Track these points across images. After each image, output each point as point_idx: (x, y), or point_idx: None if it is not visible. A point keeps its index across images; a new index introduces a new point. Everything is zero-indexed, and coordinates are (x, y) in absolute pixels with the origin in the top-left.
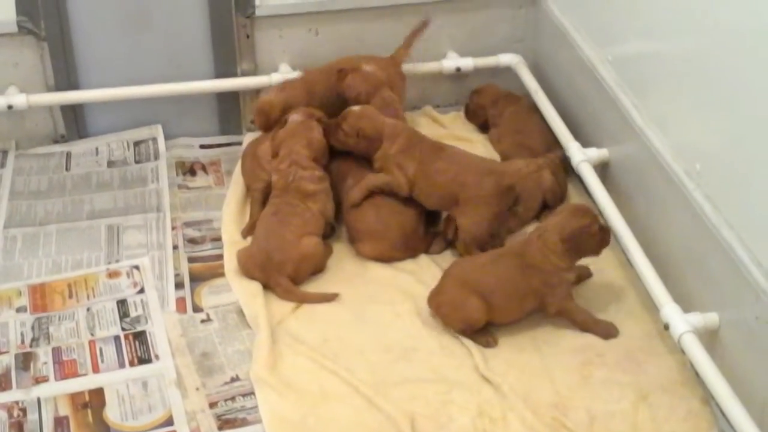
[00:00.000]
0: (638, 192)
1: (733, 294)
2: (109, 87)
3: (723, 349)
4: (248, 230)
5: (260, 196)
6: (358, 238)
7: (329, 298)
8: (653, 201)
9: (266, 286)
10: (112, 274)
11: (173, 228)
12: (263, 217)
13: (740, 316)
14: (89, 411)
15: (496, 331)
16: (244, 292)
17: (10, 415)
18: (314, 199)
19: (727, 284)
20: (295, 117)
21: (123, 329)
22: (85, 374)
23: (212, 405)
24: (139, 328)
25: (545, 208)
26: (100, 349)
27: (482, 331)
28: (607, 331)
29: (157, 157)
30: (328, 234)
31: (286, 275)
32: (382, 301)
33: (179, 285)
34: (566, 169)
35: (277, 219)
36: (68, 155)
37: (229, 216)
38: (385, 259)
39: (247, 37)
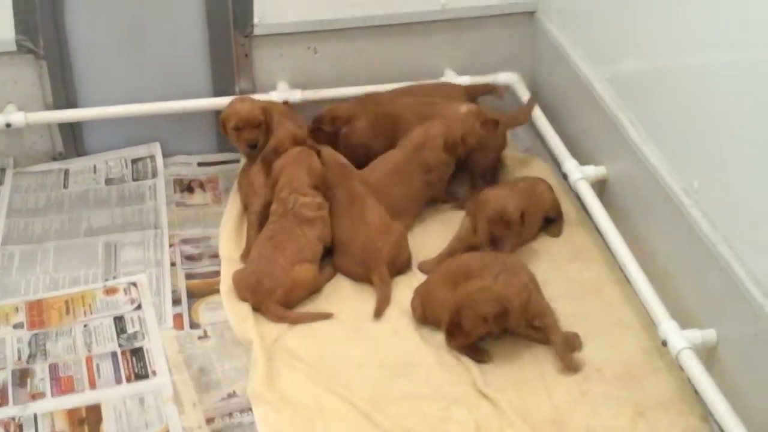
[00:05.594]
0: (636, 209)
1: (731, 311)
2: (108, 105)
3: (721, 366)
4: (246, 255)
5: (256, 219)
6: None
7: (323, 317)
8: (651, 218)
9: (257, 309)
10: (110, 291)
11: (171, 245)
12: (259, 241)
13: (738, 333)
14: (86, 427)
15: (495, 345)
16: (234, 316)
17: (7, 431)
18: (311, 225)
19: (725, 301)
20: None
21: (120, 345)
22: (82, 390)
23: (209, 421)
24: (136, 345)
25: (548, 223)
26: (97, 366)
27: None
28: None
29: (155, 175)
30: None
31: (276, 301)
32: (380, 318)
33: (176, 301)
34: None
35: (272, 244)
36: (66, 173)
37: (227, 233)
38: (349, 275)
39: (246, 56)
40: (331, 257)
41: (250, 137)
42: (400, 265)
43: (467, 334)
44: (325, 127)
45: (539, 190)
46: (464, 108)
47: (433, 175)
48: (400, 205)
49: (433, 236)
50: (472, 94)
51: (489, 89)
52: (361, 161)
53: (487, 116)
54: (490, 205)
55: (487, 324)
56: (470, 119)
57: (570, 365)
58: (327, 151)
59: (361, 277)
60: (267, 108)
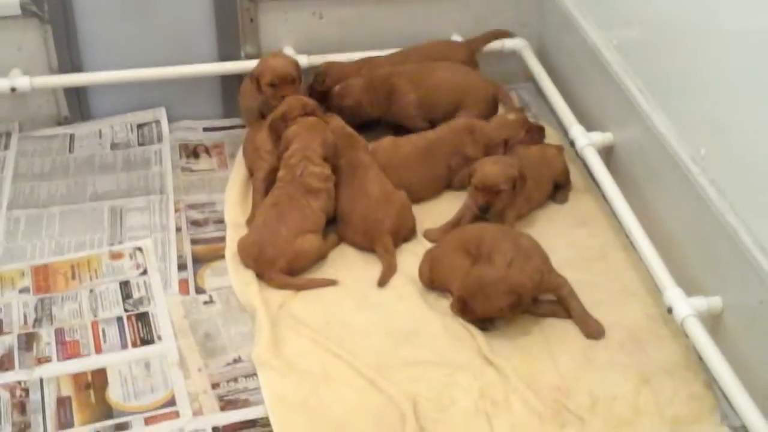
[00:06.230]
0: (643, 176)
1: (737, 278)
2: (113, 69)
3: (726, 333)
4: (251, 220)
5: (262, 185)
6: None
7: (328, 283)
8: (658, 185)
9: (261, 278)
10: (115, 256)
11: (176, 210)
12: (263, 207)
13: (744, 300)
14: (92, 391)
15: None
16: (238, 281)
17: (13, 395)
18: (316, 196)
19: (731, 268)
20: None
21: (126, 310)
22: (87, 355)
23: (214, 386)
24: (141, 310)
25: (556, 189)
26: (103, 330)
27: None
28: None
29: (160, 140)
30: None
31: (278, 270)
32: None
33: (182, 267)
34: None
35: (276, 211)
36: (71, 137)
37: (232, 199)
38: (353, 245)
39: (251, 20)
40: (335, 225)
41: (287, 94)
42: (404, 234)
43: (477, 317)
44: (317, 86)
45: (549, 155)
46: (512, 115)
47: (456, 161)
48: (421, 185)
49: (440, 203)
50: (474, 48)
51: (488, 38)
52: (353, 122)
53: (532, 125)
54: (476, 174)
55: (501, 312)
56: (516, 126)
57: (592, 331)
58: (335, 121)
59: (365, 247)
60: (299, 64)
